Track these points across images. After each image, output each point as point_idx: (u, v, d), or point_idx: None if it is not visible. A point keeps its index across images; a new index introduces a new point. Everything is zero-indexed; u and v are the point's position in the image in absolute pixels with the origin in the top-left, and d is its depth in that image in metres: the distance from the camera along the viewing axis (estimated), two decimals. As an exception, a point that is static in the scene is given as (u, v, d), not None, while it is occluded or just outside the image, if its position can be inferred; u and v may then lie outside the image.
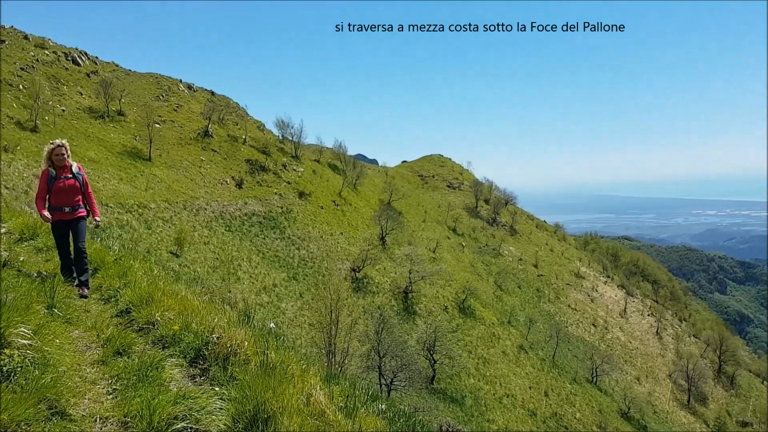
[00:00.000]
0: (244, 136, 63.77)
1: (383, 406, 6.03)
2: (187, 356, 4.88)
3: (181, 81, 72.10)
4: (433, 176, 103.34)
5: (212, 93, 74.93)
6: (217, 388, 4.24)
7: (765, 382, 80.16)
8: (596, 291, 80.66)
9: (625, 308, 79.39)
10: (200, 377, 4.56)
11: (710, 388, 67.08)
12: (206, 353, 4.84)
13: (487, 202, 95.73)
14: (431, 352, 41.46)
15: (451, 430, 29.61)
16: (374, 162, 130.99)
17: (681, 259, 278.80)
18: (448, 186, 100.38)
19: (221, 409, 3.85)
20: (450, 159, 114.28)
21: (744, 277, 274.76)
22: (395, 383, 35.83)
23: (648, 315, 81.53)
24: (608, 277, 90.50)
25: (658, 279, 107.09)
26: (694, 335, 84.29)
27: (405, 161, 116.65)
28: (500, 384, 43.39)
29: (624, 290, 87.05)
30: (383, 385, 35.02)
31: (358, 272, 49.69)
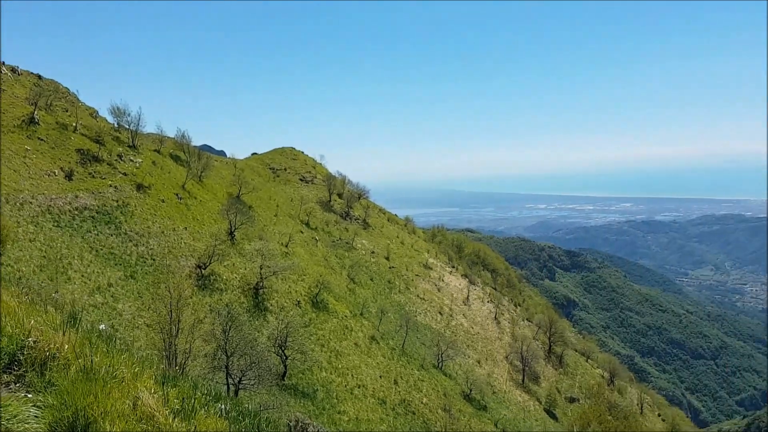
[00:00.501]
0: (74, 124, 58.32)
1: (227, 406, 5.85)
2: (0, 362, 4.49)
3: (3, 63, 64.25)
4: (285, 169, 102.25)
5: (39, 77, 67.68)
6: (32, 395, 3.92)
7: (588, 360, 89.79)
8: (442, 281, 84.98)
9: (468, 296, 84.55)
10: (15, 384, 4.23)
11: (542, 367, 73.70)
12: (22, 358, 4.46)
13: (340, 196, 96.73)
14: (283, 348, 41.03)
15: (300, 424, 29.50)
16: (222, 153, 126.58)
17: (516, 249, 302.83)
18: (301, 179, 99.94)
19: (36, 417, 3.57)
20: (302, 152, 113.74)
21: (570, 264, 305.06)
22: (244, 382, 34.96)
23: (488, 302, 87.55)
24: (453, 267, 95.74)
25: (497, 268, 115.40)
26: (527, 319, 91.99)
27: (255, 153, 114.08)
28: (352, 375, 44.11)
29: (467, 279, 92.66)
30: (231, 385, 34.02)
31: (204, 269, 47.71)
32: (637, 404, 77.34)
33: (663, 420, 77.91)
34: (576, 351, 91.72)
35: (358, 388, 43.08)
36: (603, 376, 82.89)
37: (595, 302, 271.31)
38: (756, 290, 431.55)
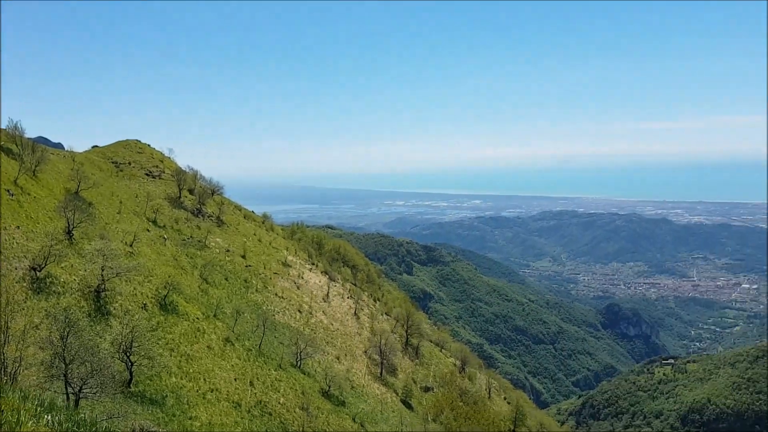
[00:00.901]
0: None
1: (60, 416, 5.12)
2: None
3: None
4: (130, 163, 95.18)
5: None
6: None
7: (442, 350, 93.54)
8: (302, 278, 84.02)
9: (327, 293, 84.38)
10: None
11: (399, 359, 75.46)
12: None
13: (191, 192, 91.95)
14: (128, 354, 37.91)
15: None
16: (59, 146, 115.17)
17: (376, 245, 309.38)
18: (147, 174, 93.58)
19: None
20: (148, 145, 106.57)
21: (426, 259, 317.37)
22: (85, 391, 31.80)
23: (348, 297, 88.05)
24: (313, 264, 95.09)
25: (357, 264, 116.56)
26: (386, 313, 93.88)
27: (96, 146, 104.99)
28: (204, 379, 41.88)
29: (327, 276, 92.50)
30: (71, 394, 30.80)
31: (40, 271, 42.78)
32: (486, 389, 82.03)
33: (508, 403, 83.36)
34: (431, 342, 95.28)
35: (211, 392, 41.01)
36: (455, 365, 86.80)
37: (449, 294, 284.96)
38: (588, 279, 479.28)
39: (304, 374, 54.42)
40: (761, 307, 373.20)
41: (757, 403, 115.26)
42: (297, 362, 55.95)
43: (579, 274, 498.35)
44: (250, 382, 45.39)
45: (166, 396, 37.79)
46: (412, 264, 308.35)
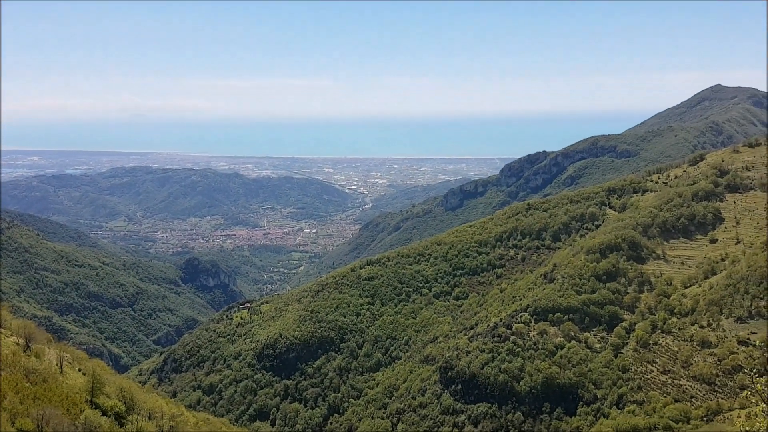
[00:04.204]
0: None
1: None
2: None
3: None
4: None
5: None
6: None
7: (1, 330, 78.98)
8: None
9: None
10: None
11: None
12: None
13: None
14: None
15: None
16: None
17: None
18: None
19: None
20: None
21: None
22: None
23: None
24: None
25: None
26: None
27: None
28: None
29: None
30: None
31: None
32: (57, 364, 73.43)
33: (84, 374, 76.64)
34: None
35: None
36: (18, 344, 74.94)
37: (6, 266, 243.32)
38: (167, 236, 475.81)
39: None
40: (319, 248, 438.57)
41: (319, 331, 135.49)
42: None
43: (157, 232, 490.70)
44: None
45: None
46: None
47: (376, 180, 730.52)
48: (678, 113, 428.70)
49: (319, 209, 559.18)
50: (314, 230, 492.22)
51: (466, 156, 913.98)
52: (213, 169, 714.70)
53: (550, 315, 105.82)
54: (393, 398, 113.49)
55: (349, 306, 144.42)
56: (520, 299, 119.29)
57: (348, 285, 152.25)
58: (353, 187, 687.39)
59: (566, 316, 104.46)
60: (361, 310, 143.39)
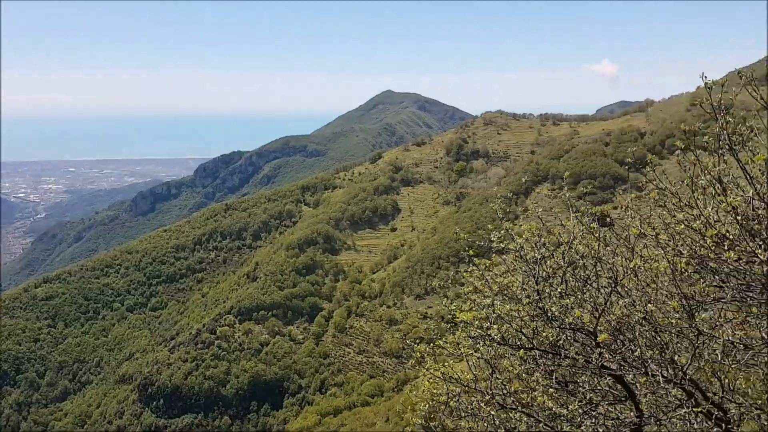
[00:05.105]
0: None
1: None
2: None
3: None
4: None
5: None
6: None
7: None
8: None
9: None
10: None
11: None
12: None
13: None
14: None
15: None
16: None
17: None
18: None
19: None
20: None
21: None
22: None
23: None
24: None
25: None
26: None
27: None
28: None
29: None
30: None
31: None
32: None
33: None
34: None
35: None
36: None
37: None
38: None
39: None
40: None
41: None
42: None
43: None
44: None
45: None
46: None
47: (50, 186, 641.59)
48: (357, 115, 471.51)
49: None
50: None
51: (155, 156, 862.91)
52: None
53: (255, 314, 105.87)
54: (86, 426, 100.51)
55: (24, 332, 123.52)
56: (224, 302, 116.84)
57: (22, 308, 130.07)
58: (20, 195, 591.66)
59: (270, 313, 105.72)
60: (40, 335, 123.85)
